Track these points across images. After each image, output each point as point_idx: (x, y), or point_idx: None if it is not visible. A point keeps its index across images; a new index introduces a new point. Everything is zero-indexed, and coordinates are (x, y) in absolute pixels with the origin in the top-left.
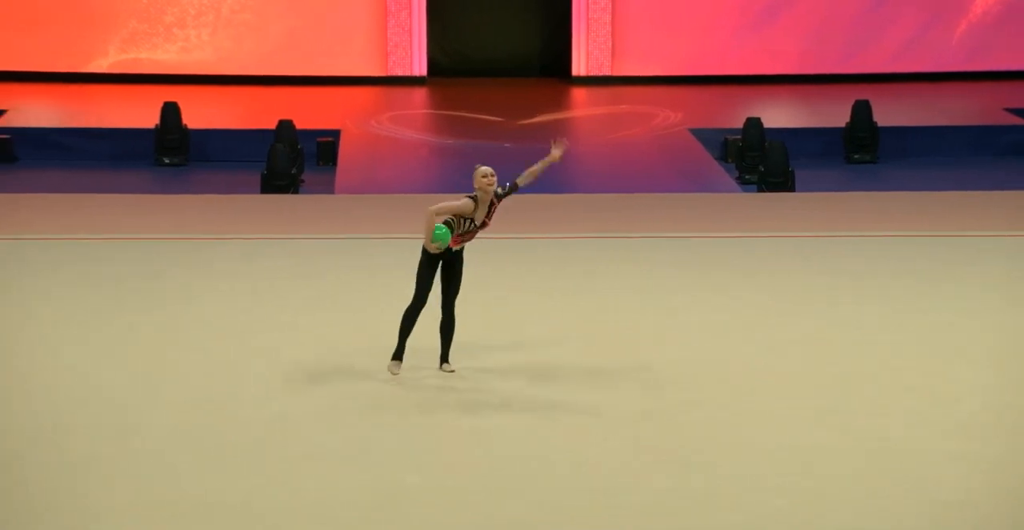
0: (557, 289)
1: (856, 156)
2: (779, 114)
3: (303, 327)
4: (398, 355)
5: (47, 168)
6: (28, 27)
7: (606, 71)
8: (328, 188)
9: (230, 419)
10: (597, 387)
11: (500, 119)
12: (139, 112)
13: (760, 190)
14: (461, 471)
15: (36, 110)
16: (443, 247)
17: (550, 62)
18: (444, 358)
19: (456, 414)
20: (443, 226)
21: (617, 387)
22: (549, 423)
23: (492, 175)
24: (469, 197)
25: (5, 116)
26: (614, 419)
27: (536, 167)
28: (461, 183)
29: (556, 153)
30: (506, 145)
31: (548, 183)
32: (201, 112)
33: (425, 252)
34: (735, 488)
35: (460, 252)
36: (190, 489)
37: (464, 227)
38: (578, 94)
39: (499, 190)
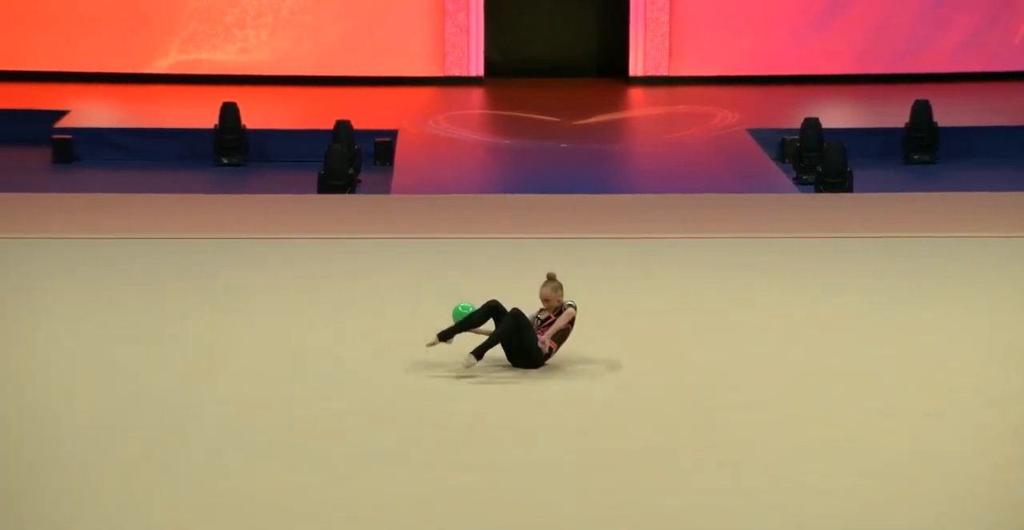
0: (612, 289)
1: (915, 157)
2: (837, 114)
3: (357, 327)
4: (445, 336)
5: (107, 168)
6: (89, 28)
7: (663, 71)
8: (385, 188)
9: (281, 419)
10: (646, 388)
11: (557, 119)
12: (198, 112)
13: (818, 191)
14: (508, 471)
15: (96, 110)
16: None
17: (607, 62)
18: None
19: (504, 414)
20: (468, 305)
21: (664, 388)
22: (595, 423)
23: (547, 300)
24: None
25: (66, 117)
26: (664, 420)
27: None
28: (517, 184)
29: None
30: (563, 145)
31: (604, 184)
32: (260, 112)
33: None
34: (778, 490)
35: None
36: (241, 489)
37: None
38: (635, 94)
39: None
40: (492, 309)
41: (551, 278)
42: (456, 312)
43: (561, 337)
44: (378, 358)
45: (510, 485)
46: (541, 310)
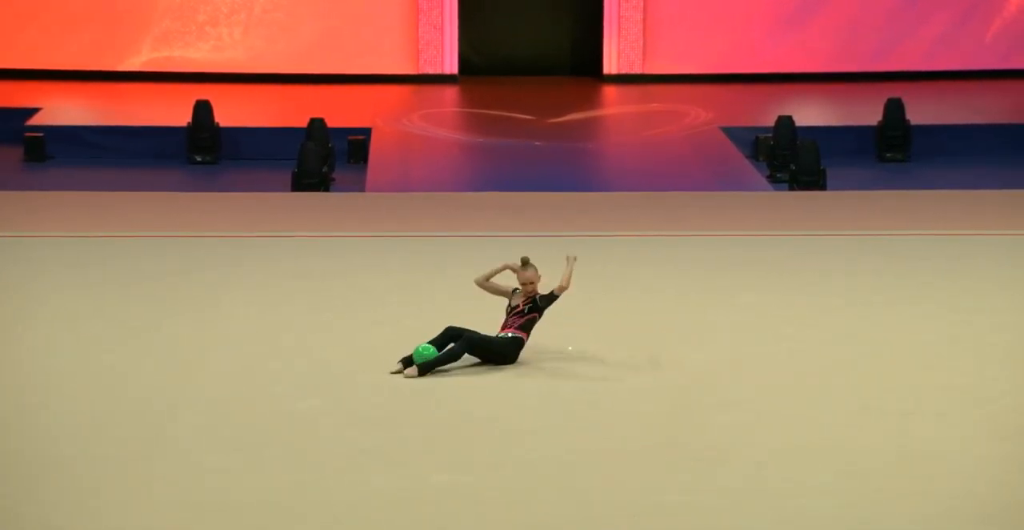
0: (586, 288)
1: (888, 155)
2: (811, 112)
3: (334, 326)
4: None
5: (79, 166)
6: (61, 26)
7: (637, 69)
8: (359, 186)
9: (260, 418)
10: (626, 387)
11: (531, 117)
12: (171, 110)
13: (791, 189)
14: (490, 471)
15: (69, 108)
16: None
17: (581, 60)
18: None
19: (486, 414)
20: (429, 347)
21: (646, 387)
22: (578, 423)
23: (532, 283)
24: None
25: (38, 114)
26: (644, 419)
27: (566, 272)
28: (492, 182)
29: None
30: (537, 143)
31: (579, 181)
32: (233, 110)
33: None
34: (766, 489)
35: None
36: (221, 489)
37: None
38: (609, 92)
39: (538, 298)
40: (450, 337)
41: (527, 262)
42: (417, 353)
43: (530, 326)
44: (355, 356)
45: (497, 485)
46: (514, 295)
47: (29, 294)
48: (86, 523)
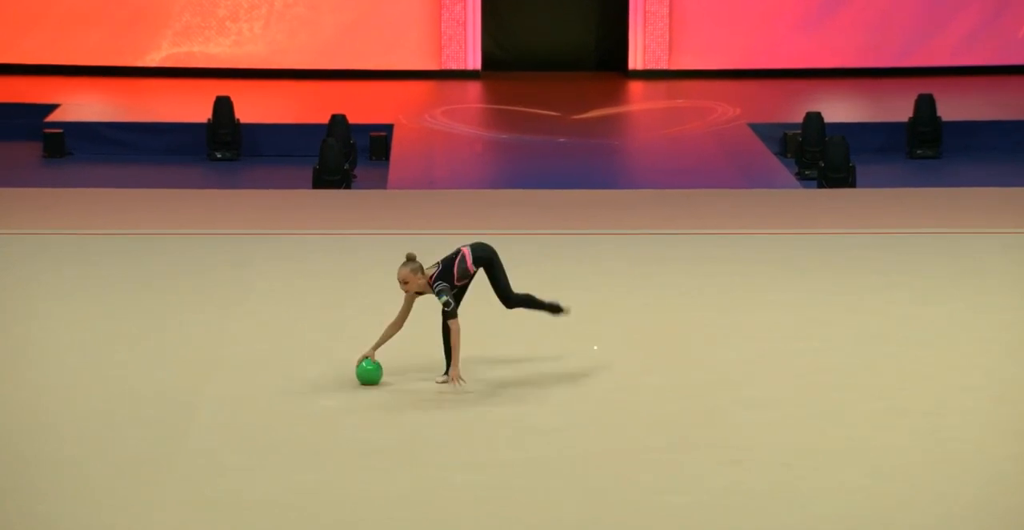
0: (612, 286)
1: (919, 151)
2: (840, 108)
3: (353, 324)
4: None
5: (99, 162)
6: (81, 21)
7: (663, 65)
8: (381, 183)
9: (279, 417)
10: (651, 386)
11: (555, 113)
12: (191, 106)
13: (820, 186)
14: (511, 471)
15: (88, 104)
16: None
17: (606, 56)
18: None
19: (508, 413)
20: (371, 363)
21: (671, 386)
22: (602, 422)
23: (403, 282)
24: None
25: (58, 110)
26: (669, 419)
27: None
28: (515, 179)
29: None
30: (561, 140)
31: (604, 178)
32: (253, 106)
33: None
34: (785, 489)
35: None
36: (239, 488)
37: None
38: (635, 88)
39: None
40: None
41: (411, 258)
42: (362, 369)
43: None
44: (376, 355)
45: (518, 485)
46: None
47: (47, 291)
48: (102, 522)
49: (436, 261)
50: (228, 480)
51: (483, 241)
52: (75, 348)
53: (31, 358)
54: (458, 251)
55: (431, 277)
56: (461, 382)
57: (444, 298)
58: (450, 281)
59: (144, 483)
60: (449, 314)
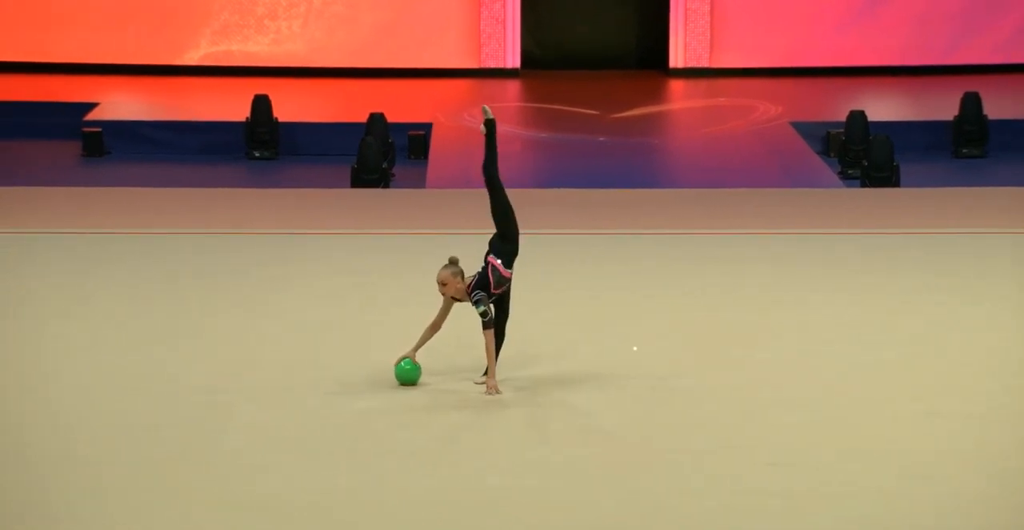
0: (651, 285)
1: (964, 150)
2: (884, 107)
3: (391, 325)
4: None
5: (137, 161)
6: (119, 20)
7: (704, 63)
8: (419, 182)
9: (313, 417)
10: (689, 388)
11: (595, 112)
12: (230, 105)
13: (864, 185)
14: (546, 472)
15: (127, 103)
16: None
17: (647, 54)
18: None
19: (543, 414)
20: (410, 363)
21: (710, 387)
22: (638, 424)
23: (442, 284)
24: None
25: (96, 109)
26: (706, 420)
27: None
28: (555, 177)
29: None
30: (601, 139)
31: (644, 178)
32: (292, 105)
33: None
34: (821, 491)
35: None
36: (273, 487)
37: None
38: (675, 87)
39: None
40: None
41: (453, 262)
42: (400, 370)
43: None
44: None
45: (554, 486)
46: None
47: (84, 290)
48: (140, 522)
49: (473, 273)
50: (263, 481)
51: (491, 238)
52: (112, 347)
53: (69, 357)
54: (485, 264)
55: (469, 285)
56: (497, 393)
57: (481, 308)
58: (487, 290)
59: (180, 483)
60: (486, 324)
